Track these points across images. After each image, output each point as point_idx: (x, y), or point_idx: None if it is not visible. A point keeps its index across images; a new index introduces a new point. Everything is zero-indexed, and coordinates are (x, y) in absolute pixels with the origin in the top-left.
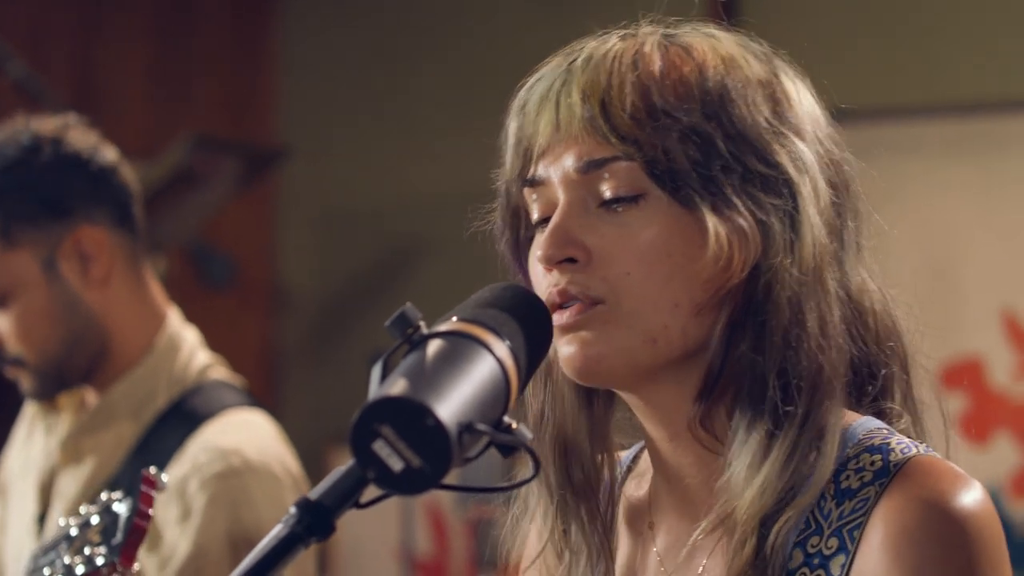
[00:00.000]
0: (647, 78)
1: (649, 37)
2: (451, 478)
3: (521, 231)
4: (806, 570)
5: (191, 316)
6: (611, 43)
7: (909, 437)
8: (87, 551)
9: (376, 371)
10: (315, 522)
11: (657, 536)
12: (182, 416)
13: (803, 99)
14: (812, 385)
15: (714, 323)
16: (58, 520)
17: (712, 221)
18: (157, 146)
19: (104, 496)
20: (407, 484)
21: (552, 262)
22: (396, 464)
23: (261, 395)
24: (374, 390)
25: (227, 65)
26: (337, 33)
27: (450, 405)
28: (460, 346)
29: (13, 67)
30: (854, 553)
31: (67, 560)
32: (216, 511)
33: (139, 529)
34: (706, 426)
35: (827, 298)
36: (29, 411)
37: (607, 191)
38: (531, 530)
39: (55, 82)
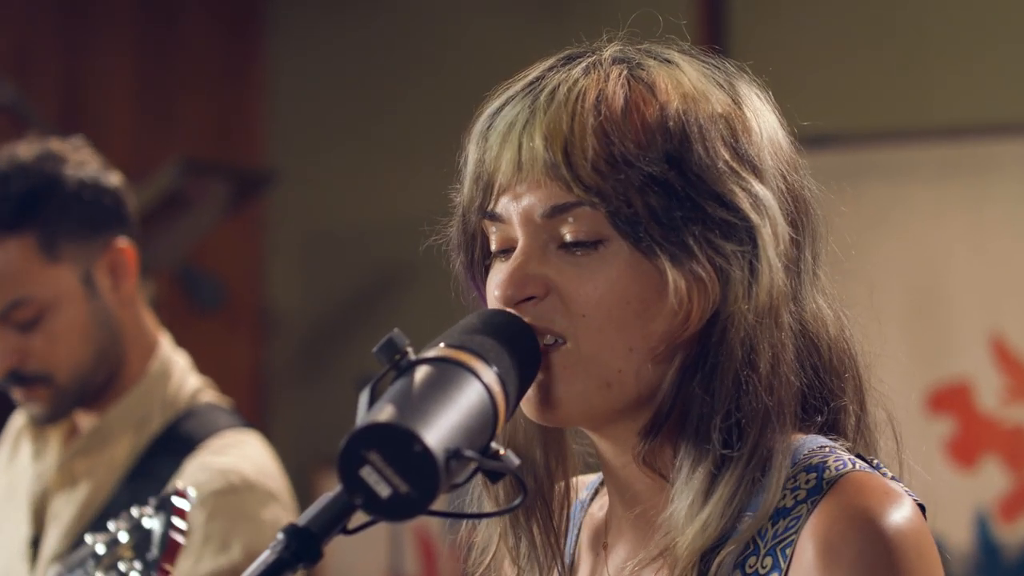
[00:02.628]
0: (609, 123)
1: (614, 70)
2: (439, 504)
3: (476, 253)
4: None
5: (180, 339)
6: (575, 76)
7: (864, 457)
8: (122, 567)
9: (363, 397)
10: (302, 548)
11: (610, 558)
12: (177, 439)
13: (764, 127)
14: (760, 424)
15: (668, 367)
16: (54, 541)
17: (672, 274)
18: (145, 169)
19: (135, 512)
20: (394, 510)
21: (511, 304)
22: (383, 490)
23: (249, 417)
24: (361, 416)
25: (215, 88)
26: (324, 56)
27: (437, 431)
28: (447, 372)
29: (1, 90)
30: (786, 570)
31: None
32: (214, 528)
33: (175, 544)
34: (654, 460)
35: (781, 336)
36: (11, 433)
37: (568, 235)
38: (486, 542)
39: (43, 105)
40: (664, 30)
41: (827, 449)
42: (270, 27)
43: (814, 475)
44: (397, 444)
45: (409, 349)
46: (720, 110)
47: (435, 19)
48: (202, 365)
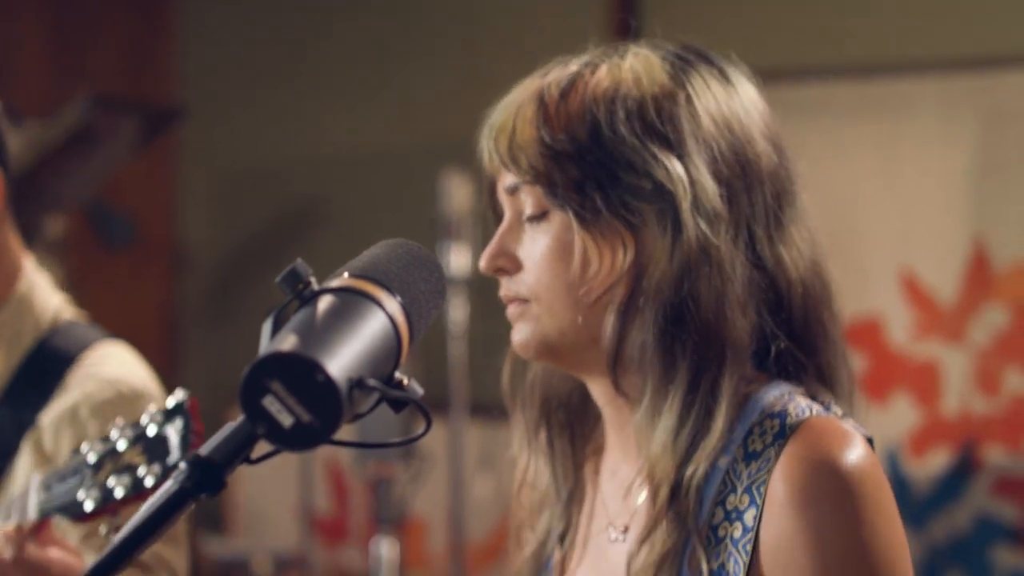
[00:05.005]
0: (541, 114)
1: (571, 67)
2: (346, 435)
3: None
4: (726, 524)
5: (91, 276)
6: (537, 79)
7: (817, 398)
8: (140, 471)
9: (267, 327)
10: (205, 478)
11: (602, 478)
12: (52, 354)
13: (704, 104)
14: (701, 354)
15: (608, 311)
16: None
17: (579, 232)
18: (55, 106)
19: (134, 424)
20: (297, 439)
21: (487, 272)
22: (286, 419)
23: (160, 354)
24: (264, 346)
25: (126, 24)
26: None
27: (340, 361)
28: (351, 302)
29: None
30: (762, 506)
31: (106, 483)
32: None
33: (197, 447)
34: (628, 391)
35: (722, 278)
36: None
37: (526, 210)
38: (521, 464)
39: None
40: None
41: (786, 397)
42: None
43: (777, 421)
44: (299, 373)
45: (312, 279)
46: (650, 90)
47: None
48: (113, 302)
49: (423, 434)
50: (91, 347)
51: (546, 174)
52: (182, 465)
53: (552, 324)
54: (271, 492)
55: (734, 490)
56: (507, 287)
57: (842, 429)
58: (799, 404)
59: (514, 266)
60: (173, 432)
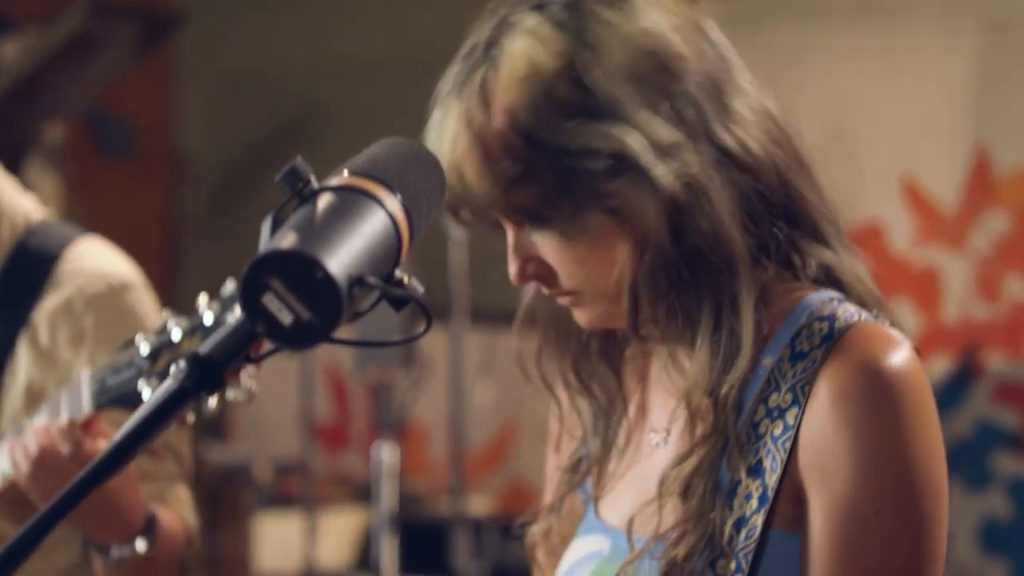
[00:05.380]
0: (478, 145)
1: (476, 75)
2: (347, 335)
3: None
4: (767, 421)
5: (90, 184)
6: (453, 96)
7: (865, 306)
8: None
9: (266, 226)
10: (205, 376)
11: (648, 383)
12: (34, 254)
13: (611, 50)
14: (716, 286)
15: (623, 275)
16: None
17: (572, 245)
18: (53, 12)
19: (184, 317)
20: (297, 337)
21: (521, 284)
22: (286, 317)
23: (160, 263)
24: (264, 244)
25: None
26: None
27: (340, 258)
28: (351, 200)
29: None
30: (805, 405)
31: (167, 371)
32: (108, 328)
33: None
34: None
35: (711, 201)
36: None
37: (519, 219)
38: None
39: None
40: None
41: (835, 302)
42: None
43: (826, 324)
44: (299, 271)
45: (312, 177)
46: (554, 67)
47: None
48: (112, 211)
49: (425, 331)
50: (71, 243)
51: (511, 204)
52: (181, 363)
53: (609, 301)
54: (272, 398)
55: (778, 389)
56: (547, 289)
57: (889, 334)
58: (848, 309)
59: (545, 270)
60: (233, 319)
